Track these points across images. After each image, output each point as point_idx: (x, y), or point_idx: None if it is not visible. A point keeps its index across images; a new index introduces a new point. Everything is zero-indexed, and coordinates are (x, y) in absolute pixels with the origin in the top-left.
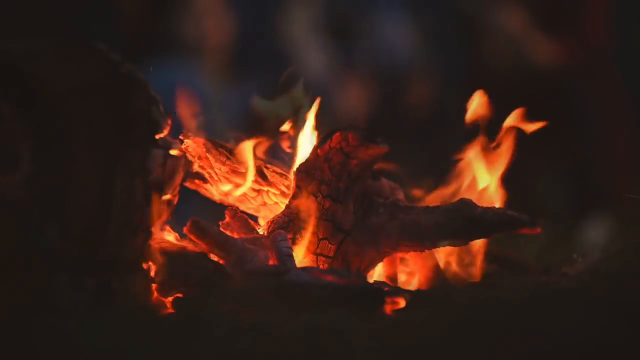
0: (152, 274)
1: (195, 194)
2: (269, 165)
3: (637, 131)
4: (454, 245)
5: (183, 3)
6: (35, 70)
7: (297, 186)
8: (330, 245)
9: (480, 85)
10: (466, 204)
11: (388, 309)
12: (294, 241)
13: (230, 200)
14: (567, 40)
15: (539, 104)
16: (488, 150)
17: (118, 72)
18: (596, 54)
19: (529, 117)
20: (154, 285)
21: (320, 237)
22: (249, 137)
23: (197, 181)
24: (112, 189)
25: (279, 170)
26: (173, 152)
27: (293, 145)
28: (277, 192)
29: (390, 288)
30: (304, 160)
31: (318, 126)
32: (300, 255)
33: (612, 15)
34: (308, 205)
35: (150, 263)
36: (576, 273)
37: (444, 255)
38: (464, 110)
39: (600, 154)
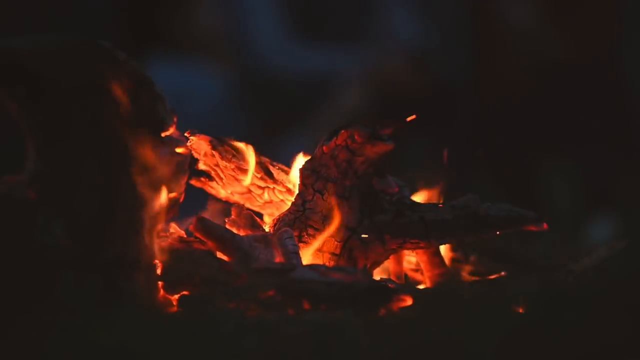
0: (158, 271)
1: (201, 191)
2: (274, 163)
3: None
4: (461, 243)
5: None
6: (41, 69)
7: (303, 183)
8: (336, 242)
9: (486, 81)
10: (472, 200)
11: (394, 306)
12: (300, 239)
13: (236, 197)
14: (569, 35)
15: (541, 102)
16: None
17: (123, 70)
18: (602, 51)
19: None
20: (160, 283)
21: (326, 234)
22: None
23: (203, 179)
24: (118, 187)
25: (285, 168)
26: (179, 150)
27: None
28: (283, 190)
29: (396, 285)
30: (309, 157)
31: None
32: (306, 253)
33: (618, 11)
34: (315, 203)
35: (156, 261)
36: (582, 270)
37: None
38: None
39: (605, 151)
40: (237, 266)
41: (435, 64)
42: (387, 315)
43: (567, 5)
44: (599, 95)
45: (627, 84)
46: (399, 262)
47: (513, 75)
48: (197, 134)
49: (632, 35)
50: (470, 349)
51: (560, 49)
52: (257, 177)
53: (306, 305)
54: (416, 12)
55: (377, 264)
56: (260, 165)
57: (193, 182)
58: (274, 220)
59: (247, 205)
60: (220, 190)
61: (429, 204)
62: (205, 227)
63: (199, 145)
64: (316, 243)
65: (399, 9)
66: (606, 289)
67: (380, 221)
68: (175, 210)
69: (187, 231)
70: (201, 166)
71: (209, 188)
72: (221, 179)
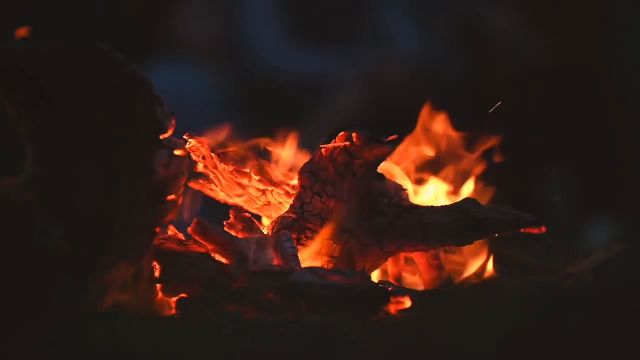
0: (157, 274)
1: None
2: (272, 165)
3: (637, 129)
4: (459, 245)
5: (187, 2)
6: (39, 71)
7: (302, 186)
8: (334, 245)
9: (478, 86)
10: (471, 203)
11: (392, 309)
12: (298, 241)
13: (234, 200)
14: (564, 40)
15: (539, 104)
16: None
17: (122, 73)
18: (595, 53)
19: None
20: (158, 286)
21: (325, 237)
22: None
23: (201, 181)
24: (116, 190)
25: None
26: (177, 152)
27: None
28: (282, 192)
29: (394, 288)
30: (308, 160)
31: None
32: (305, 256)
33: (608, 14)
34: (313, 205)
35: (155, 263)
36: (580, 273)
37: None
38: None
39: (602, 154)
40: (236, 269)
41: (432, 70)
42: (385, 317)
43: (558, 11)
44: (596, 99)
45: (621, 87)
46: (397, 264)
47: (509, 80)
48: (196, 137)
49: (623, 38)
50: (467, 351)
51: (556, 54)
52: (255, 179)
53: (304, 308)
54: (413, 18)
55: (375, 266)
56: (258, 167)
57: (192, 184)
58: (272, 222)
59: (246, 207)
60: (219, 192)
61: (427, 206)
62: (204, 229)
63: (197, 147)
64: (314, 245)
65: (396, 14)
66: (604, 291)
67: (378, 224)
68: (174, 213)
69: (185, 233)
70: (200, 168)
71: (208, 190)
72: (220, 181)
